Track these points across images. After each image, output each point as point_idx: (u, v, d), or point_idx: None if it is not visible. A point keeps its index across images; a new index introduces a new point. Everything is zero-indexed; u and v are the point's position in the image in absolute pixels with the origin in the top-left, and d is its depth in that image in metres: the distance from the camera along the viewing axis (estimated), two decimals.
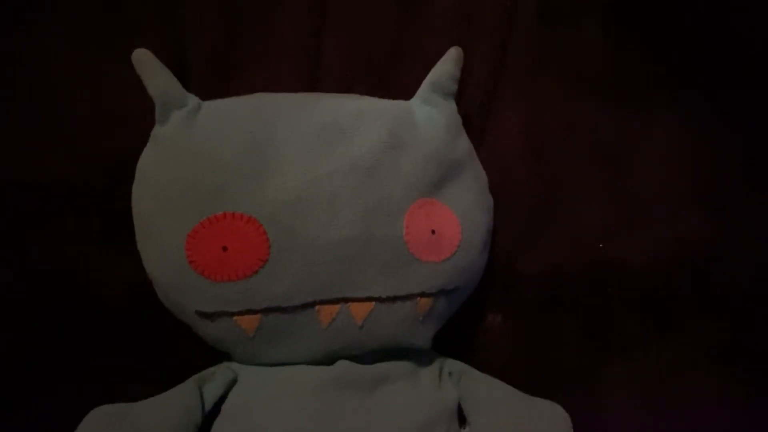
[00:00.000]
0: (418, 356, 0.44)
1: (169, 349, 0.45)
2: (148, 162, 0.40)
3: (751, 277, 0.50)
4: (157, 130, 0.40)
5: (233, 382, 0.42)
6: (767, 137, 0.50)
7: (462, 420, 0.44)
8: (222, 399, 0.42)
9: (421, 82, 0.44)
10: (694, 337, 0.49)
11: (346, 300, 0.39)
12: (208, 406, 0.41)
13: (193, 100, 0.40)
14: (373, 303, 0.40)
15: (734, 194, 0.50)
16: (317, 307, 0.39)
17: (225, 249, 0.37)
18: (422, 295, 0.41)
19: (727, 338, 0.49)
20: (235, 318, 0.39)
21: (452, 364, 0.46)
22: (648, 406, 0.48)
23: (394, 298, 0.40)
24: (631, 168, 0.50)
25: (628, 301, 0.49)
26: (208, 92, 0.42)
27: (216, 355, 0.43)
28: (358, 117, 0.41)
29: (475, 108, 0.49)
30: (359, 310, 0.40)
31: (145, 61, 0.39)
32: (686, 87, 0.50)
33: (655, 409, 0.48)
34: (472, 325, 0.50)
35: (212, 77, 0.46)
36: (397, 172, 0.40)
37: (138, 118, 0.41)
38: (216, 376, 0.42)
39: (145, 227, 0.39)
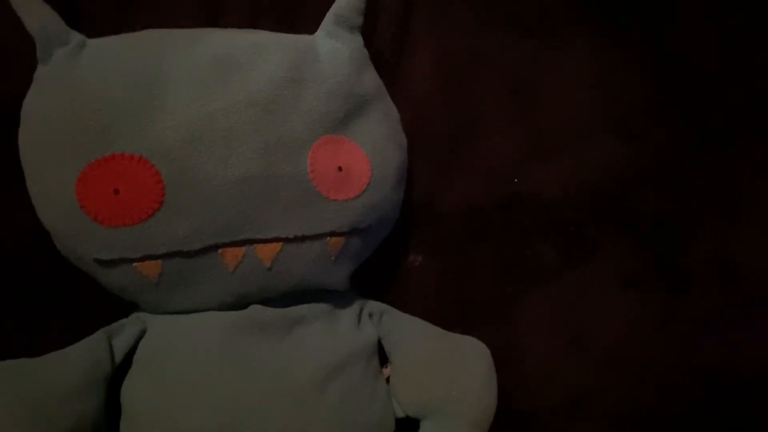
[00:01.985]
0: (337, 298, 0.44)
1: (75, 300, 0.44)
2: (31, 104, 0.37)
3: (663, 202, 0.51)
4: (40, 70, 0.37)
5: (144, 333, 0.41)
6: (676, 64, 0.50)
7: (384, 360, 0.45)
8: (134, 351, 0.41)
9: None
10: (609, 264, 0.50)
11: (251, 241, 0.38)
12: (118, 358, 0.40)
13: (76, 36, 0.38)
14: (281, 244, 0.39)
15: (644, 121, 0.51)
16: (221, 250, 0.38)
17: (117, 192, 0.36)
18: (332, 234, 0.40)
19: (641, 263, 0.50)
20: (135, 264, 0.38)
21: (373, 305, 0.46)
22: (566, 333, 0.49)
23: (302, 238, 0.39)
24: (544, 98, 0.50)
25: (544, 232, 0.50)
26: (98, 30, 0.39)
27: (127, 305, 0.42)
28: (255, 50, 0.39)
29: (386, 44, 0.48)
30: (266, 252, 0.39)
31: None
32: (598, 14, 0.50)
33: (574, 337, 0.49)
34: (393, 266, 0.50)
35: (106, 13, 0.43)
36: (298, 107, 0.39)
37: (24, 59, 0.38)
38: (125, 327, 0.41)
39: (34, 173, 0.37)
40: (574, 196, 0.50)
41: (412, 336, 0.45)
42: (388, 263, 0.49)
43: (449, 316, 0.46)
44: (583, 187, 0.50)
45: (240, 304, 0.40)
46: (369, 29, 0.44)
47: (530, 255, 0.50)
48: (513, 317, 0.50)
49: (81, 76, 0.36)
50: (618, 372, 0.50)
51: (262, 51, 0.39)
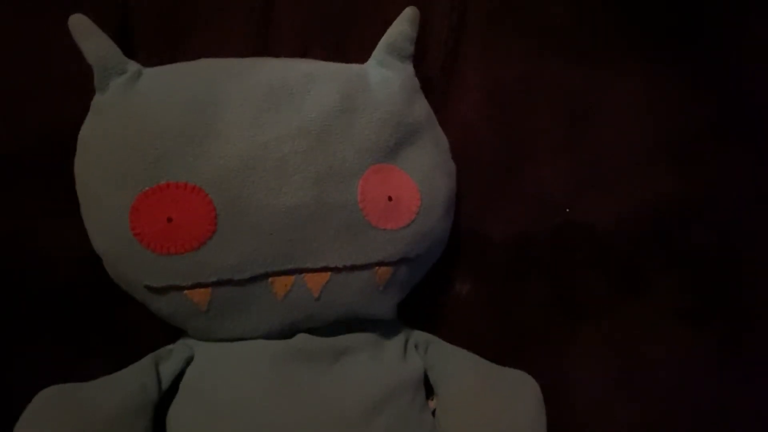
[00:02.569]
0: (383, 327, 0.43)
1: (124, 326, 0.44)
2: (88, 132, 0.38)
3: (720, 235, 0.49)
4: (97, 99, 0.38)
5: (191, 359, 0.41)
6: (736, 92, 0.49)
7: (430, 391, 0.44)
8: (181, 376, 0.41)
9: (377, 44, 0.43)
10: (664, 298, 0.49)
11: (300, 271, 0.38)
12: (165, 383, 0.40)
13: (133, 66, 0.38)
14: (329, 273, 0.39)
15: (702, 151, 0.49)
16: (270, 278, 0.38)
17: (170, 220, 0.36)
18: (381, 264, 0.40)
19: (698, 298, 0.48)
20: (185, 292, 0.38)
21: (419, 335, 0.45)
22: (617, 368, 0.48)
23: (351, 268, 0.39)
24: (597, 126, 0.49)
25: (596, 264, 0.49)
26: (154, 59, 0.40)
27: (175, 331, 0.42)
28: (309, 80, 0.39)
29: (436, 70, 0.47)
30: (315, 281, 0.39)
31: (82, 27, 0.38)
32: (652, 40, 0.49)
33: (624, 371, 0.48)
34: (440, 294, 0.49)
35: (158, 43, 0.44)
36: (350, 136, 0.39)
37: (82, 87, 0.39)
38: (173, 354, 0.41)
39: (88, 200, 0.38)
40: (628, 226, 0.49)
41: (458, 368, 0.44)
42: (434, 291, 0.48)
43: (497, 348, 0.45)
44: (637, 217, 0.49)
45: (287, 332, 0.40)
46: (419, 55, 0.44)
47: (582, 287, 0.49)
48: (563, 350, 0.48)
49: (137, 106, 0.37)
50: (671, 412, 0.48)
51: (314, 81, 0.39)
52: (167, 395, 0.40)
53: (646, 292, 0.49)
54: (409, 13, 0.43)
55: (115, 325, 0.44)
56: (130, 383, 0.39)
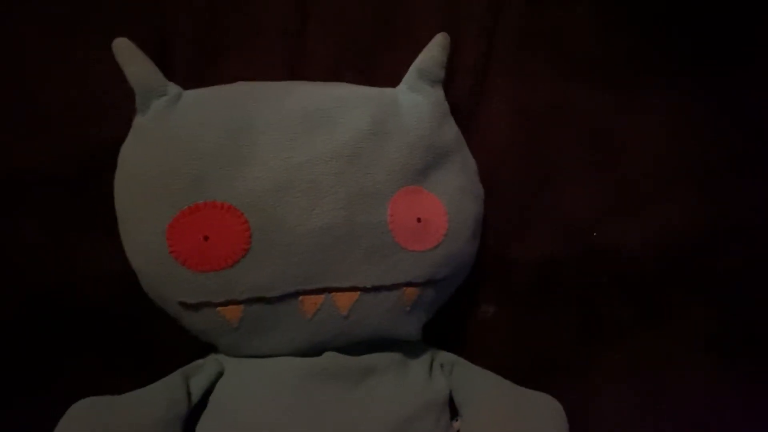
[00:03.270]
0: (408, 348, 0.43)
1: (155, 341, 0.45)
2: (128, 152, 0.39)
3: (745, 263, 0.49)
4: (138, 120, 0.39)
5: (220, 375, 0.42)
6: (760, 121, 0.49)
7: (454, 413, 0.44)
8: (210, 391, 0.41)
9: (408, 68, 0.44)
10: (688, 326, 0.48)
11: (329, 290, 0.39)
12: (195, 398, 0.41)
13: (173, 88, 0.39)
14: (358, 293, 0.39)
15: (727, 179, 0.49)
16: (300, 297, 0.39)
17: (206, 238, 0.37)
18: (409, 284, 0.40)
19: (722, 326, 0.48)
20: (218, 309, 0.38)
21: (444, 356, 0.45)
22: (642, 395, 0.47)
23: (379, 288, 0.40)
24: (623, 152, 0.49)
25: (622, 289, 0.49)
26: (191, 80, 0.41)
27: (205, 347, 0.42)
28: (341, 104, 0.40)
29: (464, 94, 0.48)
30: (343, 300, 0.39)
31: (125, 50, 0.39)
32: (678, 69, 0.49)
33: (649, 398, 0.47)
34: (465, 316, 0.49)
35: (195, 65, 0.45)
36: (380, 159, 0.40)
37: (122, 107, 0.40)
38: (203, 369, 0.42)
39: (127, 217, 0.39)
40: (654, 252, 0.48)
41: (483, 390, 0.44)
42: (460, 313, 0.48)
43: (520, 370, 0.45)
44: (663, 242, 0.48)
45: (315, 351, 0.41)
46: (447, 80, 0.44)
47: (607, 311, 0.48)
48: (587, 375, 0.48)
49: (176, 127, 0.38)
50: None
51: (347, 105, 0.40)
52: (197, 409, 0.41)
53: (671, 319, 0.48)
54: (440, 38, 0.43)
55: (147, 340, 0.45)
56: (160, 397, 0.39)
